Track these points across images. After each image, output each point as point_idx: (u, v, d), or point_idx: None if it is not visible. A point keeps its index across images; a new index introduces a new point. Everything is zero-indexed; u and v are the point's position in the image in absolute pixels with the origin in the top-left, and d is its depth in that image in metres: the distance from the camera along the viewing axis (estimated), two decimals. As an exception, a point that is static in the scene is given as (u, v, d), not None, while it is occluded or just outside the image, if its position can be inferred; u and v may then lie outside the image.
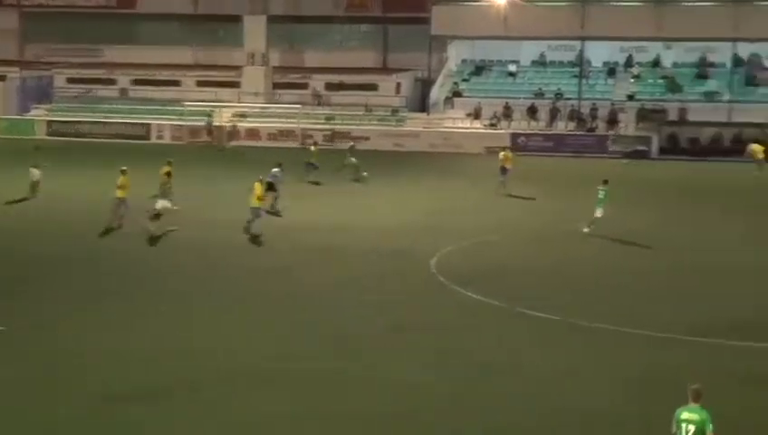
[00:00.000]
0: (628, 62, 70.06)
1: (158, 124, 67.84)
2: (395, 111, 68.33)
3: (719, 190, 48.73)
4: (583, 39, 67.85)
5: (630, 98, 66.35)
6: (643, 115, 64.14)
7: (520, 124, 65.35)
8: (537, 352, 22.07)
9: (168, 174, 38.50)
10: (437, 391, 19.61)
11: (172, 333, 23.14)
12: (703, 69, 68.31)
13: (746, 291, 28.30)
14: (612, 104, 65.19)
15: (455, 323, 24.44)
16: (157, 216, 34.57)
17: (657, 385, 19.92)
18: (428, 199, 44.23)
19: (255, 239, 33.94)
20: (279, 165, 41.14)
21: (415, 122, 67.18)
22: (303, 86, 72.80)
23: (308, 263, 30.90)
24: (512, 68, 71.03)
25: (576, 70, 68.76)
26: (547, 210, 41.74)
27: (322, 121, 66.45)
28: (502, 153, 47.24)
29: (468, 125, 65.76)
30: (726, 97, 64.81)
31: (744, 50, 68.01)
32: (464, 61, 73.48)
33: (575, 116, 65.27)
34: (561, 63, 71.58)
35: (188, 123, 67.41)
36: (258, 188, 34.99)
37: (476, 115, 65.93)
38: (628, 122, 64.30)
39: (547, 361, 21.50)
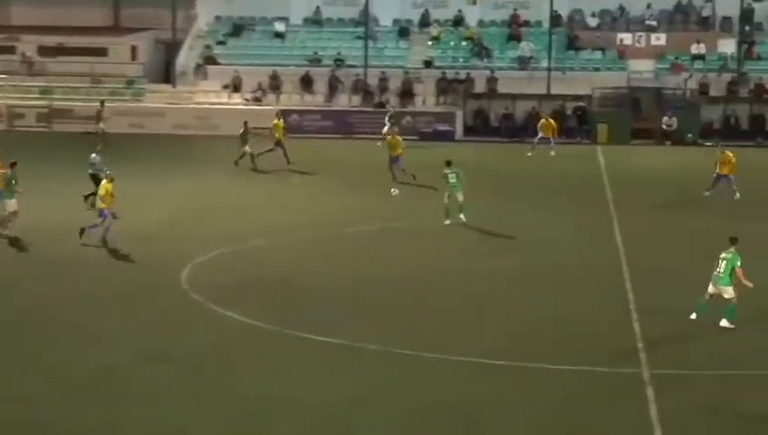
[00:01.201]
0: (424, 21, 71.99)
1: None
2: (131, 82, 68.19)
3: (536, 178, 51.02)
4: (368, -9, 69.40)
5: (428, 65, 68.32)
6: (444, 86, 66.30)
7: (291, 99, 66.48)
8: (316, 383, 23.04)
9: (13, 165, 37.27)
10: None
11: None
12: (515, 29, 70.87)
13: (556, 300, 30.19)
14: (406, 73, 66.96)
15: (213, 351, 25.14)
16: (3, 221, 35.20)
17: (452, 416, 21.37)
18: (177, 196, 44.62)
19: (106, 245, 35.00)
20: (97, 149, 41.63)
21: (157, 97, 67.31)
22: (10, 50, 71.41)
23: (36, 278, 31.47)
24: (279, 27, 71.69)
25: (360, 30, 70.03)
26: (326, 208, 42.94)
27: (36, 96, 65.72)
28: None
29: (226, 100, 66.37)
30: (543, 63, 67.39)
31: (563, 6, 70.66)
32: (218, 18, 73.66)
33: (361, 88, 66.84)
34: (342, 22, 72.87)
35: None
36: (106, 187, 35.57)
37: (236, 87, 66.59)
38: (426, 95, 66.41)
39: (328, 393, 22.51)
